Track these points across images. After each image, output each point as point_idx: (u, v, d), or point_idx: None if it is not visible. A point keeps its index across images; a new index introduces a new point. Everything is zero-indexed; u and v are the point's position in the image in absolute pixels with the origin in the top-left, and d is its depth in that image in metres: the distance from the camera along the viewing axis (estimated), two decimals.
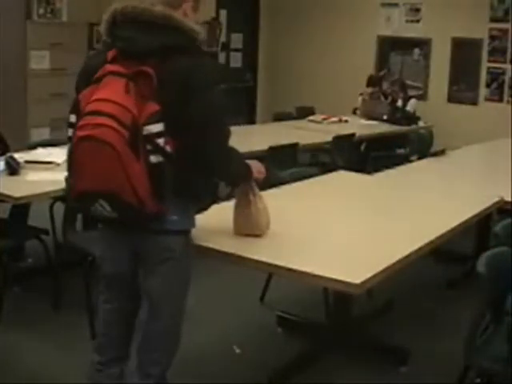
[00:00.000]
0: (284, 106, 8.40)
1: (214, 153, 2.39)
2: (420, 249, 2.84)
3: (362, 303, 3.79)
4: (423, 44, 8.96)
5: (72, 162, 2.22)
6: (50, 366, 3.29)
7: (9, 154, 3.95)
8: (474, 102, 8.66)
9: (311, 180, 4.10)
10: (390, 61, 9.27)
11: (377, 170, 4.73)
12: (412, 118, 7.59)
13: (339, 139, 6.06)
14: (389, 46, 9.27)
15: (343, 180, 4.32)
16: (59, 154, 3.96)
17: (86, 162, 2.15)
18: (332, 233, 3.05)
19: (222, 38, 9.40)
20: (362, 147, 7.34)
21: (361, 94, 8.00)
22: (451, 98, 8.84)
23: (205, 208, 2.64)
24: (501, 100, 8.47)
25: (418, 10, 8.94)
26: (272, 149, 5.10)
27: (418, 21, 8.97)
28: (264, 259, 2.60)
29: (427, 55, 8.95)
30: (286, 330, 3.81)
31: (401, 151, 7.18)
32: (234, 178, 2.72)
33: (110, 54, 2.25)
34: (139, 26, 2.23)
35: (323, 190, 3.95)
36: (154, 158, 2.15)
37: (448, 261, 4.93)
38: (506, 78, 8.41)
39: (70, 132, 2.26)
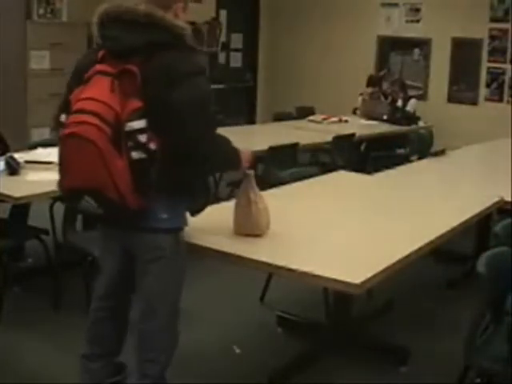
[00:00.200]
0: (284, 105, 8.40)
1: (198, 140, 2.34)
2: (420, 249, 2.84)
3: (362, 303, 3.79)
4: (423, 44, 8.96)
5: (60, 160, 2.28)
6: (49, 366, 3.30)
7: (9, 154, 3.95)
8: (474, 102, 8.66)
9: (311, 180, 4.10)
10: (390, 61, 9.27)
11: (377, 170, 4.73)
12: (412, 118, 7.59)
13: (339, 139, 6.06)
14: (389, 46, 9.27)
15: (343, 180, 4.32)
16: None
17: (70, 159, 2.21)
18: (332, 233, 3.05)
19: (222, 38, 9.40)
20: (362, 147, 7.34)
21: (361, 94, 8.00)
22: (451, 98, 8.83)
23: (200, 209, 2.63)
24: (501, 100, 8.47)
25: (418, 10, 8.95)
26: (272, 149, 5.10)
27: (417, 21, 8.97)
28: (264, 259, 2.60)
29: (427, 55, 8.95)
30: (286, 330, 3.81)
31: (401, 151, 7.18)
32: (223, 166, 2.69)
33: (100, 54, 2.30)
34: (124, 26, 2.27)
35: (323, 190, 3.95)
36: (135, 154, 2.18)
37: (448, 261, 4.92)
38: (506, 78, 8.40)
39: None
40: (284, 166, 4.76)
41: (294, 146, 5.40)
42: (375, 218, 3.37)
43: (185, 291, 4.16)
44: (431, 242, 2.95)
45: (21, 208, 4.16)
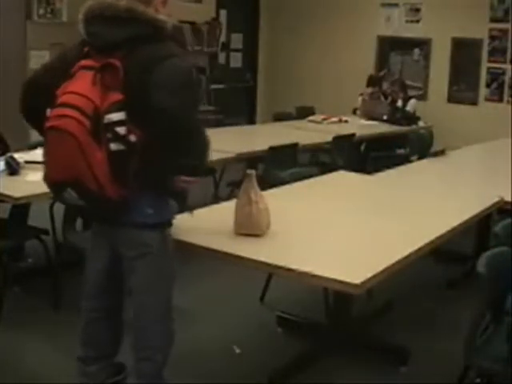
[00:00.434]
0: (284, 106, 8.40)
1: (179, 117, 2.31)
2: (420, 249, 2.84)
3: (362, 303, 3.79)
4: (423, 44, 8.96)
5: (44, 153, 2.33)
6: (50, 366, 3.30)
7: (9, 154, 3.95)
8: (474, 102, 8.66)
9: (311, 180, 4.10)
10: (389, 61, 9.28)
11: (377, 170, 4.73)
12: (412, 118, 7.59)
13: (339, 139, 6.06)
14: (389, 46, 9.27)
15: (343, 180, 4.32)
16: None
17: (52, 151, 2.26)
18: (332, 233, 3.05)
19: (222, 38, 9.40)
20: (362, 147, 7.34)
21: (361, 94, 8.00)
22: (451, 98, 8.84)
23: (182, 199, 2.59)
24: (501, 100, 8.48)
25: (417, 10, 8.95)
26: (272, 149, 5.10)
27: (417, 21, 8.97)
28: (264, 259, 2.60)
29: (427, 55, 8.95)
30: (286, 330, 3.80)
31: (401, 151, 7.19)
32: (202, 153, 2.57)
33: (85, 50, 2.35)
34: (106, 21, 2.31)
35: (323, 190, 3.95)
36: (114, 146, 2.20)
37: (448, 261, 4.92)
38: (506, 78, 8.41)
39: None
40: (284, 166, 4.76)
41: (294, 146, 5.40)
42: (375, 218, 3.37)
43: (185, 291, 4.18)
44: (431, 242, 2.95)
45: (21, 208, 4.16)
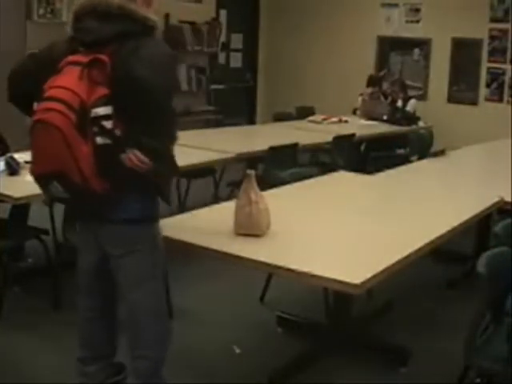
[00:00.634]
0: (284, 106, 8.40)
1: (150, 89, 2.26)
2: (420, 249, 2.84)
3: (362, 303, 3.79)
4: (423, 44, 8.96)
5: (31, 146, 2.34)
6: (49, 366, 3.29)
7: (9, 155, 3.95)
8: (474, 102, 8.66)
9: (311, 180, 4.10)
10: (390, 61, 9.27)
11: (377, 170, 4.73)
12: (412, 119, 7.59)
13: (339, 139, 6.06)
14: (389, 46, 9.27)
15: (343, 180, 4.32)
16: None
17: (38, 144, 2.28)
18: (332, 233, 3.05)
19: (222, 38, 9.39)
20: (362, 147, 7.34)
21: (361, 95, 8.00)
22: (451, 98, 8.84)
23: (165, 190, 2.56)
24: (501, 100, 8.47)
25: (417, 11, 8.95)
26: (272, 149, 5.10)
27: (417, 21, 8.97)
28: (264, 259, 2.60)
29: (427, 55, 8.95)
30: (286, 330, 3.80)
31: (401, 151, 7.19)
32: (164, 138, 2.41)
33: (73, 46, 2.37)
34: (97, 17, 2.34)
35: (323, 191, 3.95)
36: (100, 140, 2.22)
37: (448, 261, 4.92)
38: (506, 78, 8.41)
39: None
40: (284, 166, 4.76)
41: (294, 146, 5.40)
42: (375, 218, 3.37)
43: (185, 291, 4.18)
44: (431, 242, 2.95)
45: (21, 208, 4.16)
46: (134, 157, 2.26)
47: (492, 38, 8.44)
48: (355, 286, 2.38)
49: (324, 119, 7.25)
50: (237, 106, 9.85)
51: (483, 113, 8.49)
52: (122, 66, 2.24)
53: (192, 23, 8.78)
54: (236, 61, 10.04)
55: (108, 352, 2.72)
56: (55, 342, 3.50)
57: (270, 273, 3.59)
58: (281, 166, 4.77)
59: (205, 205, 3.46)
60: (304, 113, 7.65)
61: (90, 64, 2.24)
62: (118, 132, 2.24)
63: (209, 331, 3.77)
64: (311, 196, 3.78)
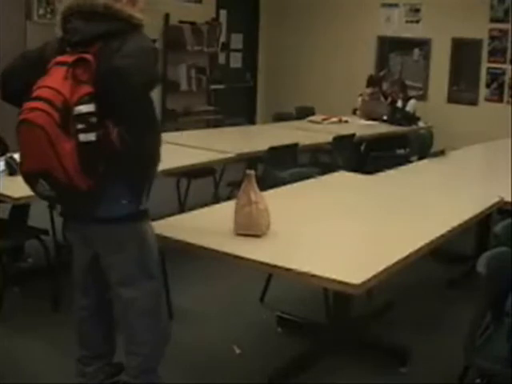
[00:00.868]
0: (284, 106, 8.40)
1: (128, 77, 2.27)
2: (420, 249, 2.84)
3: (361, 303, 3.79)
4: (423, 44, 8.96)
5: (18, 145, 2.38)
6: (49, 366, 3.29)
7: (9, 155, 3.94)
8: (474, 103, 8.66)
9: (311, 180, 4.10)
10: (389, 61, 9.28)
11: (377, 170, 4.72)
12: (412, 119, 7.59)
13: (339, 139, 6.06)
14: (389, 46, 9.27)
15: (343, 180, 4.32)
16: None
17: (23, 144, 2.32)
18: (332, 233, 3.05)
19: (222, 39, 9.40)
20: (362, 148, 7.34)
21: (361, 95, 8.00)
22: (451, 99, 8.84)
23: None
24: (501, 100, 8.48)
25: (417, 11, 8.95)
26: (272, 149, 5.10)
27: (417, 21, 8.97)
28: (264, 259, 2.59)
29: (427, 55, 8.96)
30: (286, 330, 3.80)
31: (401, 152, 7.19)
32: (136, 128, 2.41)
33: (62, 47, 2.41)
34: (83, 18, 2.37)
35: (323, 191, 3.95)
36: (83, 137, 2.24)
37: (448, 261, 4.92)
38: (506, 79, 8.41)
39: None
40: (284, 166, 4.75)
41: (294, 146, 5.40)
42: (375, 219, 3.37)
43: (185, 291, 4.18)
44: (431, 243, 2.95)
45: (21, 208, 4.16)
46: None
47: (492, 38, 8.44)
48: (355, 286, 2.38)
49: (324, 119, 7.25)
50: (237, 106, 9.85)
51: (483, 113, 8.49)
52: (105, 63, 2.26)
53: (192, 23, 8.79)
54: (236, 61, 10.05)
55: (106, 351, 2.73)
56: (55, 342, 3.50)
57: (270, 273, 3.59)
58: (281, 166, 4.77)
59: (205, 205, 3.46)
60: (304, 113, 7.65)
61: (75, 63, 2.27)
62: (102, 130, 2.26)
63: (209, 331, 3.77)
64: (311, 196, 3.78)
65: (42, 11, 7.16)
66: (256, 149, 5.27)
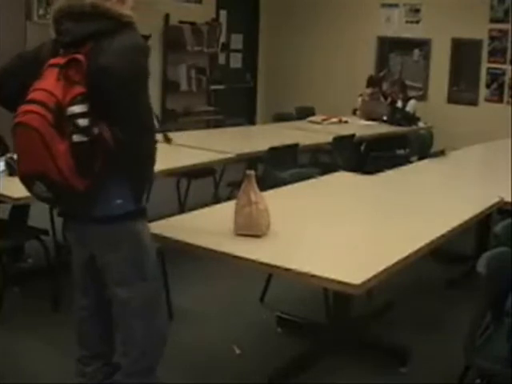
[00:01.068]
0: (284, 106, 8.40)
1: (118, 76, 2.27)
2: (420, 249, 2.84)
3: (361, 303, 3.79)
4: (423, 45, 8.96)
5: (14, 148, 2.40)
6: (49, 366, 3.30)
7: (9, 155, 3.94)
8: (474, 103, 8.66)
9: (311, 181, 4.10)
10: (389, 61, 9.28)
11: (377, 170, 4.72)
12: (412, 119, 7.59)
13: (339, 140, 6.06)
14: (389, 46, 9.28)
15: (343, 181, 4.32)
16: None
17: (19, 146, 2.33)
18: (332, 233, 3.05)
19: (222, 39, 9.40)
20: (362, 148, 7.34)
21: (360, 95, 8.00)
22: (451, 99, 8.84)
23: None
24: (501, 101, 8.48)
25: (417, 11, 8.95)
26: (272, 149, 5.10)
27: (417, 21, 8.98)
28: (264, 260, 2.59)
29: (427, 56, 8.96)
30: (286, 330, 3.80)
31: (401, 152, 7.19)
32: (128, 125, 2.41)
33: (55, 48, 2.40)
34: (73, 18, 2.38)
35: (323, 191, 3.95)
36: (76, 138, 2.24)
37: (448, 261, 4.92)
38: (506, 79, 8.41)
39: None
40: (284, 166, 4.75)
41: (295, 146, 5.40)
42: (375, 219, 3.37)
43: (185, 291, 4.19)
44: (431, 243, 2.95)
45: (21, 208, 4.16)
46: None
47: (492, 38, 8.44)
48: (355, 286, 2.38)
49: (324, 119, 7.25)
50: (237, 107, 9.85)
51: (483, 113, 8.50)
52: (94, 62, 2.26)
53: (192, 24, 8.79)
54: (236, 61, 10.05)
55: (105, 351, 2.73)
56: (55, 343, 3.50)
57: (270, 273, 3.59)
58: (281, 167, 4.77)
59: (205, 205, 3.46)
60: (304, 113, 7.65)
61: (67, 64, 2.27)
62: (95, 130, 2.25)
63: (209, 332, 3.77)
64: (311, 196, 3.78)
65: (41, 11, 7.16)
66: (256, 149, 5.27)
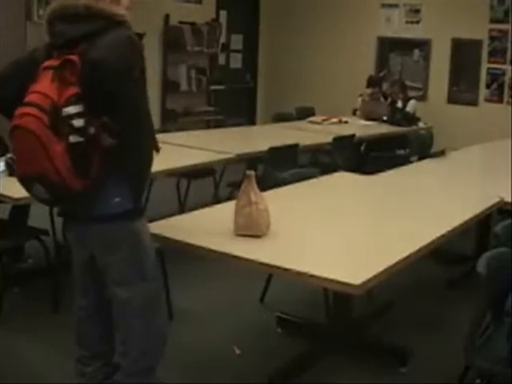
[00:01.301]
0: (284, 106, 8.40)
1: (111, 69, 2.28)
2: (420, 249, 2.84)
3: (362, 303, 3.79)
4: (423, 45, 8.96)
5: (13, 151, 2.43)
6: (49, 366, 3.30)
7: (9, 155, 3.94)
8: (474, 103, 8.66)
9: (311, 181, 4.10)
10: (389, 62, 9.28)
11: (377, 170, 4.73)
12: (412, 119, 7.60)
13: (339, 140, 6.06)
14: (389, 46, 9.28)
15: (343, 181, 4.32)
16: None
17: (17, 149, 2.36)
18: (332, 233, 3.05)
19: (222, 39, 9.40)
20: (362, 148, 7.34)
21: (360, 95, 8.01)
22: (451, 99, 8.84)
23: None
24: (501, 101, 8.48)
25: (417, 11, 8.95)
26: (272, 149, 5.10)
27: (417, 22, 8.98)
28: (264, 260, 2.59)
29: (427, 56, 8.96)
30: (286, 331, 3.81)
31: (401, 152, 7.19)
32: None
33: (49, 51, 2.41)
34: (66, 20, 2.39)
35: (323, 191, 3.95)
36: (72, 138, 2.25)
37: (448, 261, 4.92)
38: (506, 79, 8.41)
39: None
40: (284, 166, 4.75)
41: (295, 146, 5.40)
42: (375, 219, 3.37)
43: (185, 292, 4.18)
44: (431, 243, 2.95)
45: (21, 209, 4.16)
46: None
47: (492, 38, 8.44)
48: (355, 286, 2.38)
49: (324, 120, 7.25)
50: (237, 107, 9.86)
51: (483, 113, 8.50)
52: (87, 59, 2.27)
53: (192, 24, 8.79)
54: (236, 61, 10.05)
55: (105, 351, 2.73)
56: (55, 343, 3.50)
57: (270, 273, 3.59)
58: (281, 167, 4.77)
59: (205, 205, 3.46)
60: (304, 113, 7.65)
61: (61, 66, 2.28)
62: (91, 130, 2.26)
63: (209, 332, 3.77)
64: (311, 196, 3.78)
65: (41, 11, 7.15)
66: (256, 149, 5.27)
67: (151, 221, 2.74)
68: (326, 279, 2.45)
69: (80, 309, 2.72)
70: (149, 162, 2.53)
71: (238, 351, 3.56)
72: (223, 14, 9.55)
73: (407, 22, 9.07)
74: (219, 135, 6.44)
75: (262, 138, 6.48)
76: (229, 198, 4.30)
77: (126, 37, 2.38)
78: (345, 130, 6.59)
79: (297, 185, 3.96)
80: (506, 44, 8.36)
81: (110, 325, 2.70)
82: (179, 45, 8.60)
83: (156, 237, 2.72)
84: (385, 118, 7.47)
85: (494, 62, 8.48)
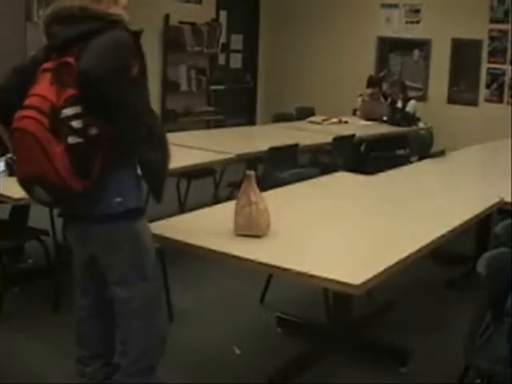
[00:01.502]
0: (284, 106, 8.40)
1: (96, 80, 2.27)
2: (420, 249, 2.84)
3: (362, 303, 3.79)
4: (423, 45, 8.96)
5: (13, 153, 2.46)
6: (49, 366, 3.29)
7: (9, 155, 3.94)
8: (474, 103, 8.66)
9: (311, 181, 4.10)
10: (389, 62, 9.28)
11: (377, 170, 4.73)
12: (412, 119, 7.59)
13: (339, 140, 6.06)
14: (389, 46, 9.28)
15: (343, 181, 4.32)
16: None
17: (18, 151, 2.38)
18: (332, 234, 3.05)
19: (222, 39, 9.40)
20: (362, 148, 7.34)
21: (360, 95, 8.00)
22: (451, 99, 8.84)
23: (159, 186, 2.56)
24: (501, 101, 8.48)
25: (417, 11, 8.95)
26: (272, 149, 5.10)
27: (417, 22, 8.98)
28: (264, 260, 2.59)
29: (427, 56, 8.96)
30: (286, 331, 3.81)
31: (401, 152, 7.19)
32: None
33: (48, 54, 2.44)
34: (62, 22, 2.43)
35: (323, 191, 3.95)
36: (71, 139, 2.26)
37: (448, 261, 4.92)
38: (506, 79, 8.41)
39: None
40: (284, 166, 4.76)
41: (295, 146, 5.40)
42: (375, 219, 3.37)
43: (185, 292, 4.19)
44: (431, 243, 2.95)
45: (21, 209, 4.15)
46: None
47: (492, 38, 8.44)
48: (355, 286, 2.38)
49: (324, 120, 7.25)
50: (237, 107, 9.86)
51: (483, 113, 8.50)
52: (78, 69, 2.27)
53: (192, 24, 8.79)
54: (236, 62, 10.05)
55: (105, 351, 2.73)
56: (55, 343, 3.50)
57: (270, 273, 3.59)
58: (281, 167, 4.77)
59: (205, 205, 3.46)
60: (304, 113, 7.65)
61: (59, 68, 2.29)
62: (91, 130, 2.27)
63: (209, 332, 3.77)
64: (311, 196, 3.78)
65: (41, 12, 7.15)
66: (256, 149, 5.27)
67: (151, 221, 2.74)
68: (325, 279, 2.45)
69: (80, 309, 2.72)
70: (162, 156, 2.51)
71: (238, 351, 3.56)
72: (223, 14, 9.55)
73: (407, 22, 9.07)
74: (219, 135, 6.44)
75: (261, 138, 6.49)
76: (229, 198, 4.30)
77: (117, 39, 2.36)
78: (345, 130, 6.59)
79: (297, 185, 3.96)
80: (506, 44, 8.36)
81: (110, 325, 2.70)
82: (179, 45, 8.60)
83: (156, 237, 2.72)
84: (385, 118, 7.47)
85: (493, 62, 8.48)
